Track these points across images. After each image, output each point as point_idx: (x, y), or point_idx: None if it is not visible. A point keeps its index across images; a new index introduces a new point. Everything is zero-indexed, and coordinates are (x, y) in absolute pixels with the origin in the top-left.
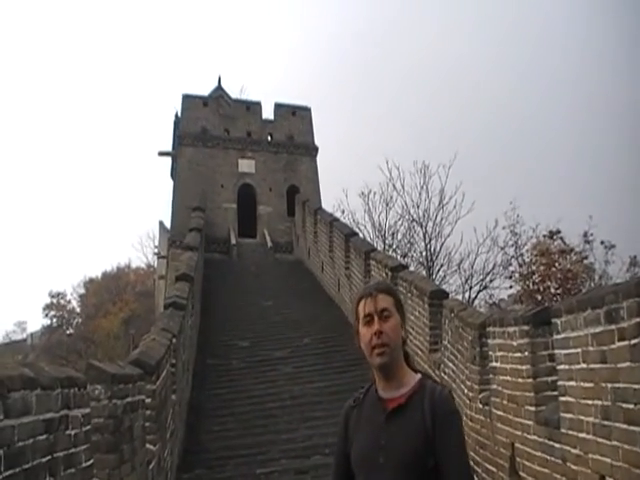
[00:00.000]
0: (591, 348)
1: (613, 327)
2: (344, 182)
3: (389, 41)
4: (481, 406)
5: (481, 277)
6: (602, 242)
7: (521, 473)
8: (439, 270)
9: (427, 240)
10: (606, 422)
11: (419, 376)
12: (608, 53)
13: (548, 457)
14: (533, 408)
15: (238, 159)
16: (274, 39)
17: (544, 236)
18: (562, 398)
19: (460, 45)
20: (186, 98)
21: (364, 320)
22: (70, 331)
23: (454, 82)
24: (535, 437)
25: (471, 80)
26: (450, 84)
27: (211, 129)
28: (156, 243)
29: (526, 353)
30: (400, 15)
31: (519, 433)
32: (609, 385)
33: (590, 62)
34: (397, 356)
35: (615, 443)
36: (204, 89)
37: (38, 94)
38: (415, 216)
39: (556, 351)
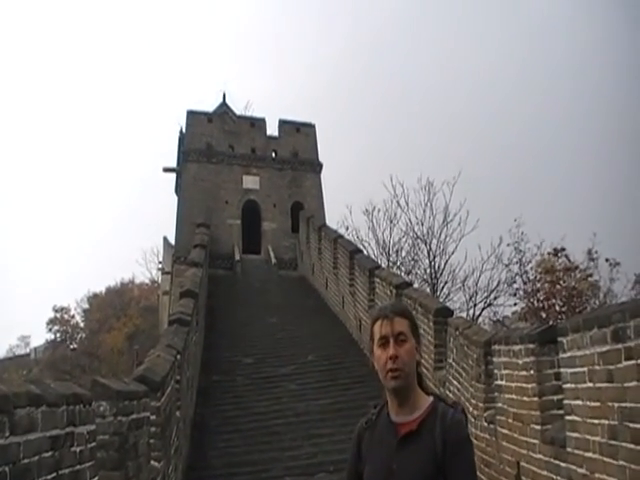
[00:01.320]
0: (597, 367)
1: (620, 346)
2: (348, 199)
3: (395, 58)
4: (486, 424)
5: (485, 294)
6: (607, 259)
7: None
8: (443, 287)
9: (431, 257)
10: (613, 442)
11: (431, 399)
12: (622, 69)
13: (554, 476)
14: (539, 427)
15: (242, 175)
16: (280, 55)
17: (549, 253)
18: (568, 417)
19: (471, 63)
20: (191, 114)
21: (379, 342)
22: (74, 346)
23: (461, 101)
24: (541, 456)
25: (479, 98)
26: (457, 103)
27: (216, 145)
28: (160, 259)
29: (532, 371)
30: (407, 32)
31: (525, 452)
32: (616, 404)
33: (602, 79)
34: (411, 380)
35: (622, 463)
36: (209, 105)
37: (42, 110)
38: (419, 233)
39: (562, 370)
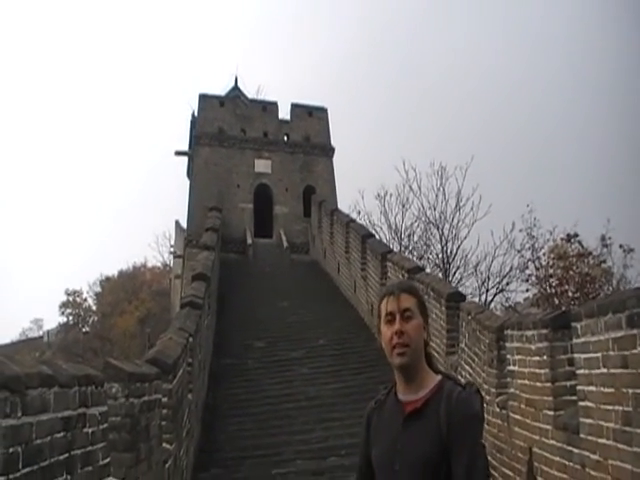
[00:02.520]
0: (612, 353)
1: (635, 332)
2: (360, 183)
3: (408, 43)
4: (498, 410)
5: (498, 280)
6: (621, 246)
7: (539, 478)
8: (455, 272)
9: (443, 242)
10: (627, 428)
11: (439, 377)
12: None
13: (567, 462)
14: (552, 412)
15: (254, 159)
16: (293, 39)
17: (561, 239)
18: (581, 403)
19: (486, 51)
20: (203, 98)
21: (386, 319)
22: (86, 329)
23: (475, 86)
24: (553, 442)
25: (492, 86)
26: (471, 88)
27: (228, 129)
28: (172, 242)
29: (545, 357)
30: (426, 19)
31: (537, 437)
32: (630, 391)
33: (613, 67)
34: (418, 357)
35: (636, 449)
36: (221, 89)
37: (58, 94)
38: (431, 218)
39: (575, 355)
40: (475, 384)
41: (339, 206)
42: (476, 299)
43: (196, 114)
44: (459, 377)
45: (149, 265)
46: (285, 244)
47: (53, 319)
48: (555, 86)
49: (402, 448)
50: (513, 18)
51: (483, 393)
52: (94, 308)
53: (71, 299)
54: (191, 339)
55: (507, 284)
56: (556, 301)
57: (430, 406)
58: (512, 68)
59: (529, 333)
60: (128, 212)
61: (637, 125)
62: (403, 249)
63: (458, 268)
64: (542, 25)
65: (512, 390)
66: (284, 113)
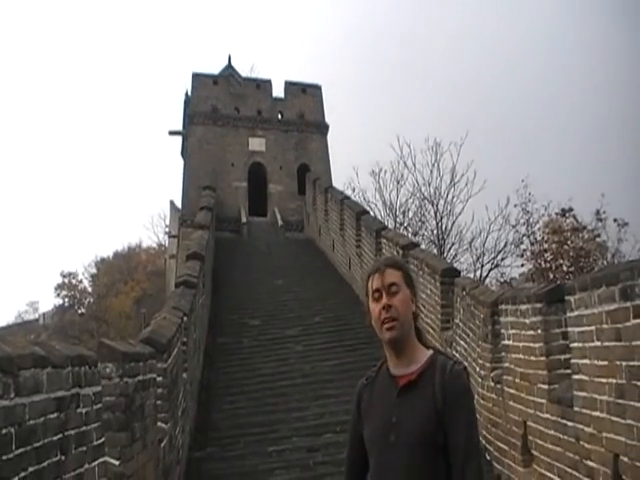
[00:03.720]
0: (605, 326)
1: (628, 304)
2: (355, 160)
3: (403, 20)
4: (493, 384)
5: (492, 255)
6: (615, 220)
7: (534, 452)
8: (450, 248)
9: (438, 218)
10: (620, 401)
11: (431, 352)
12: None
13: (561, 436)
14: (546, 386)
15: (248, 138)
16: (285, 15)
17: (556, 214)
18: (575, 376)
19: (482, 27)
20: (196, 77)
21: (373, 296)
22: (82, 311)
23: (469, 61)
24: (548, 415)
25: (487, 60)
26: (465, 63)
27: (221, 108)
28: (167, 222)
29: (539, 331)
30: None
31: (532, 411)
32: (624, 363)
33: (601, 45)
34: (407, 331)
35: (630, 422)
36: (214, 67)
37: (48, 74)
38: (426, 194)
39: (569, 329)
40: (463, 362)
41: (334, 183)
42: (471, 275)
43: (189, 93)
44: (454, 353)
45: (144, 245)
46: (280, 222)
47: (49, 301)
48: (550, 60)
49: (397, 420)
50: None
51: (478, 368)
52: (89, 289)
53: (66, 281)
54: (185, 318)
55: (502, 259)
56: (551, 276)
57: (424, 378)
58: (507, 43)
59: (523, 307)
60: (123, 193)
61: (631, 99)
62: (398, 226)
63: (453, 244)
64: (538, 1)
65: (507, 364)
66: (278, 91)
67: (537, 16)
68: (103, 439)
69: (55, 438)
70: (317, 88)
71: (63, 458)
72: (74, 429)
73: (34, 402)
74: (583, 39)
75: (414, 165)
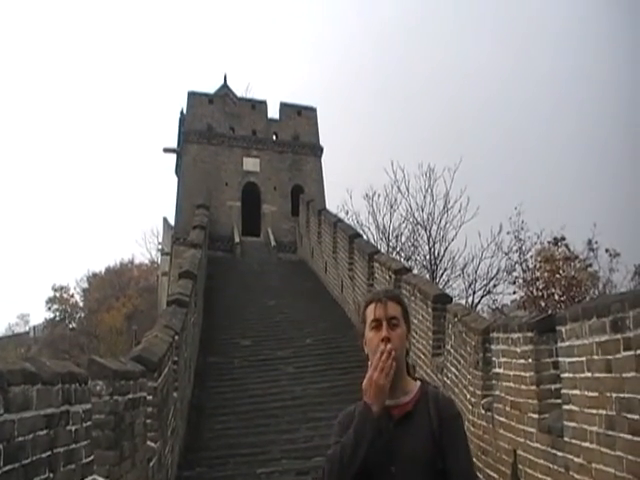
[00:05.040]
0: (596, 357)
1: (619, 336)
2: (349, 183)
3: (400, 45)
4: (483, 412)
5: (485, 282)
6: (607, 250)
7: None
8: (443, 274)
9: (431, 243)
10: (610, 432)
11: (419, 383)
12: (613, 58)
13: (551, 465)
14: (536, 415)
15: (243, 157)
16: (281, 38)
17: (548, 242)
18: (566, 406)
19: (473, 53)
20: (192, 95)
21: (371, 324)
22: (73, 325)
23: (463, 88)
24: (538, 445)
25: (480, 86)
26: (459, 90)
27: (216, 127)
28: (160, 239)
29: (530, 360)
30: (410, 21)
31: (522, 440)
32: (614, 395)
33: (598, 68)
34: (401, 365)
35: (619, 453)
36: (210, 87)
37: (43, 90)
38: (419, 219)
39: (560, 359)
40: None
41: (327, 206)
42: (463, 301)
43: (185, 111)
44: (445, 380)
45: (136, 262)
46: (273, 243)
47: (40, 314)
48: (544, 88)
49: (396, 450)
50: (502, 17)
51: (468, 395)
52: (81, 304)
53: (58, 295)
54: (177, 337)
55: (494, 286)
56: (542, 304)
57: (419, 407)
58: (500, 70)
59: (515, 336)
60: (116, 208)
61: (624, 131)
62: (391, 250)
63: (445, 270)
64: (530, 25)
65: (497, 392)
66: (273, 112)
67: (534, 38)
68: (92, 457)
69: (44, 455)
70: (312, 110)
71: (51, 476)
72: (63, 446)
73: (23, 418)
74: (580, 62)
75: (407, 190)
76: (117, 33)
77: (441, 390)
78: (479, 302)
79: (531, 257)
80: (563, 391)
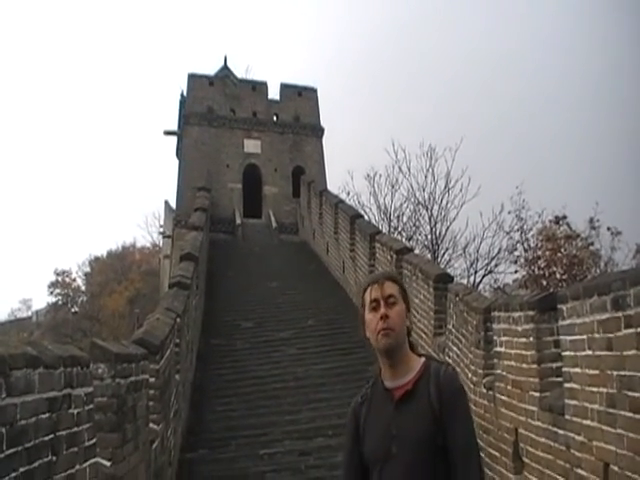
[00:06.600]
0: (597, 335)
1: (620, 314)
2: (350, 164)
3: (404, 25)
4: (485, 391)
5: (486, 261)
6: (608, 228)
7: (524, 459)
8: (444, 254)
9: (432, 223)
10: (611, 410)
11: (423, 359)
12: (614, 47)
13: (552, 443)
14: (537, 394)
15: (244, 139)
16: (282, 18)
17: (550, 221)
18: (567, 385)
19: (476, 34)
20: (192, 77)
21: (370, 306)
22: (75, 309)
23: (467, 68)
24: (539, 423)
25: (484, 67)
26: (463, 70)
27: (217, 109)
28: (161, 222)
29: (531, 339)
30: (419, 4)
31: (523, 419)
32: (615, 373)
33: (598, 55)
34: (402, 342)
35: (620, 431)
36: (210, 69)
37: (44, 74)
38: (421, 199)
39: (561, 337)
40: (452, 365)
41: (328, 187)
42: (464, 280)
43: (185, 94)
44: (447, 359)
45: (138, 245)
46: (274, 224)
47: (42, 299)
48: (544, 68)
49: (398, 432)
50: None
51: (470, 374)
52: (83, 288)
53: (60, 279)
54: (179, 319)
55: (495, 265)
56: (544, 283)
57: (420, 386)
58: (503, 48)
59: (516, 315)
60: (117, 192)
61: (625, 109)
62: (392, 230)
63: (447, 249)
64: (531, 3)
65: (499, 371)
66: (274, 93)
67: (532, 17)
68: (94, 440)
69: (46, 438)
70: (313, 91)
71: (54, 459)
72: (65, 430)
73: (26, 402)
74: (581, 41)
75: (409, 170)
76: (117, 16)
77: (445, 365)
78: (481, 281)
79: (532, 236)
80: (564, 369)
